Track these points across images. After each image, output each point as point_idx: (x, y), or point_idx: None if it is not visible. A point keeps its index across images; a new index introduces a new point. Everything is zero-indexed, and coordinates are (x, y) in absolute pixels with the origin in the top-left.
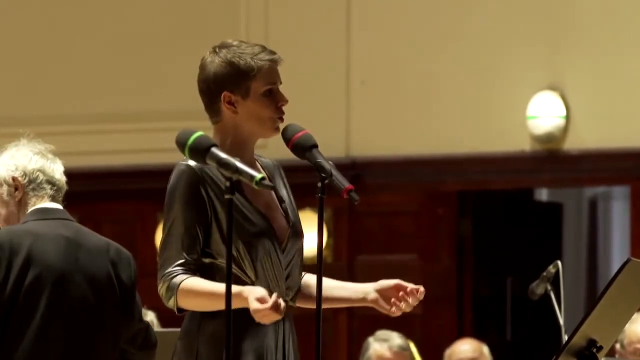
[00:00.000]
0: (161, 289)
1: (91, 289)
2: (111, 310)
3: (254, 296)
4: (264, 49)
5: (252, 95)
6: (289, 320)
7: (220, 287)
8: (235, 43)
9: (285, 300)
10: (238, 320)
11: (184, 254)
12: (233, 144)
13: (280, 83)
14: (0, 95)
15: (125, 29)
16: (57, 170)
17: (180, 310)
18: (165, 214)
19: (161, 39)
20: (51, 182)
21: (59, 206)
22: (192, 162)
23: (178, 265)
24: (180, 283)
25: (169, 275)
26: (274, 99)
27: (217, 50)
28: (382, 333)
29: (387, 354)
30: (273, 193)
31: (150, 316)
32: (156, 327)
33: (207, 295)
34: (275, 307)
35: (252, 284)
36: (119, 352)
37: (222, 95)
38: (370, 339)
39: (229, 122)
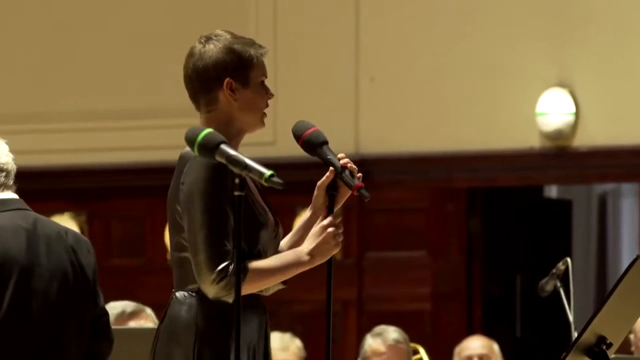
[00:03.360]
0: (219, 284)
1: (54, 280)
2: (75, 299)
3: (327, 221)
4: (254, 41)
5: (251, 84)
6: (266, 313)
7: (284, 259)
8: (235, 34)
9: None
10: (225, 316)
11: (229, 245)
12: (226, 135)
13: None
14: (9, 94)
15: (133, 26)
16: (1, 152)
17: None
18: (196, 204)
19: (170, 36)
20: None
21: (13, 195)
22: None
23: (230, 257)
24: (248, 271)
25: (226, 269)
26: (264, 91)
27: (209, 39)
28: (378, 328)
29: (382, 348)
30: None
31: (148, 310)
32: (155, 320)
33: (277, 271)
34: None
35: None
36: (85, 340)
37: (225, 81)
38: (367, 335)
39: (224, 111)
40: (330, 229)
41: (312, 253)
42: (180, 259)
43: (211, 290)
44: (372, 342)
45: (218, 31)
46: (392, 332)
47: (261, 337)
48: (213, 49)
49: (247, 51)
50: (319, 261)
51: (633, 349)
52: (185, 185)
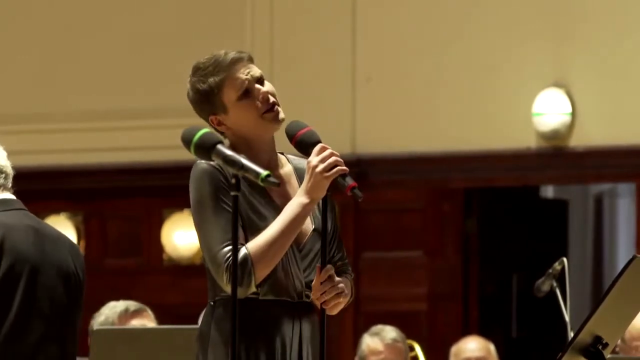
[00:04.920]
0: (227, 281)
1: (59, 279)
2: (74, 300)
3: (313, 157)
4: (225, 53)
5: (229, 107)
6: (308, 322)
7: (282, 215)
8: (202, 62)
9: (305, 301)
10: (251, 320)
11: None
12: (246, 151)
13: (259, 77)
14: (7, 94)
15: (132, 27)
16: (1, 156)
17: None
18: (198, 215)
19: (169, 38)
20: None
21: (13, 196)
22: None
23: (228, 252)
24: (248, 254)
25: (228, 263)
26: (253, 96)
27: (189, 80)
28: (375, 327)
29: (379, 347)
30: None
31: (149, 310)
32: (153, 324)
33: (279, 231)
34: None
35: (268, 278)
36: (77, 339)
37: (210, 120)
38: (365, 334)
39: (231, 137)
40: (315, 163)
41: (309, 191)
42: (205, 269)
43: (229, 289)
44: (370, 341)
45: (198, 62)
46: (390, 331)
47: (294, 346)
48: (190, 96)
49: (207, 84)
50: (320, 194)
51: (618, 349)
52: (190, 196)
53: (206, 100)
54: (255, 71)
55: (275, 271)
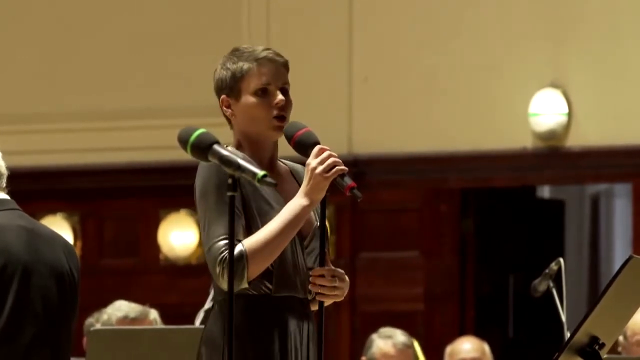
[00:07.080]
0: (223, 275)
1: (53, 279)
2: (69, 301)
3: (312, 159)
4: (265, 49)
5: (242, 96)
6: (312, 323)
7: (281, 215)
8: (242, 47)
9: (307, 299)
10: (264, 318)
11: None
12: (246, 146)
13: (285, 84)
14: (10, 94)
15: (131, 27)
16: None
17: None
18: (201, 208)
19: (165, 38)
20: None
21: (6, 196)
22: None
23: (225, 246)
24: (244, 251)
25: (225, 257)
26: (268, 99)
27: (224, 57)
28: (385, 330)
29: (391, 351)
30: None
31: (153, 314)
32: (159, 324)
33: (274, 235)
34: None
35: (272, 270)
36: (72, 342)
37: (221, 99)
38: (374, 336)
39: (236, 126)
40: (314, 165)
41: (308, 193)
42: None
43: (224, 285)
44: (382, 345)
45: (238, 46)
46: (401, 336)
47: (304, 345)
48: (216, 72)
49: (238, 65)
50: (320, 195)
51: (620, 349)
52: (196, 190)
53: (228, 79)
54: (285, 78)
55: (286, 267)
